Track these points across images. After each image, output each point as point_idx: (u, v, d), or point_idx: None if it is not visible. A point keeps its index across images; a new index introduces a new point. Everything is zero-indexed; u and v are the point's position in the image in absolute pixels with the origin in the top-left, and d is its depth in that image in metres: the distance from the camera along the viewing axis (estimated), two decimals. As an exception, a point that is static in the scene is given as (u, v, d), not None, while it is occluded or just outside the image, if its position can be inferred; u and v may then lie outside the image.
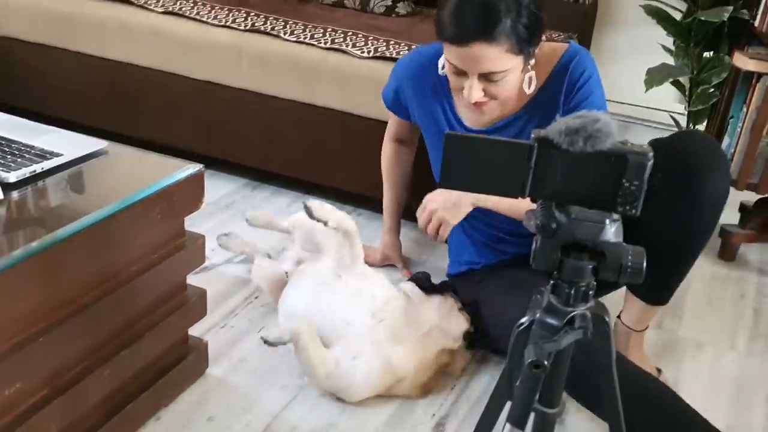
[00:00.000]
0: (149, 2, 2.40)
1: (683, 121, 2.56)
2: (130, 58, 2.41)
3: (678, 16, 2.47)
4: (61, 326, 1.18)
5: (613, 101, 2.92)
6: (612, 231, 0.85)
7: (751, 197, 2.35)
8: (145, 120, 2.46)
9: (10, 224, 1.20)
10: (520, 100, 1.60)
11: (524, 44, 1.44)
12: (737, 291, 2.13)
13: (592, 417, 1.51)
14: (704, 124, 2.52)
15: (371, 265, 1.84)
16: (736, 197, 2.44)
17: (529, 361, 0.84)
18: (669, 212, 1.46)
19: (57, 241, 1.14)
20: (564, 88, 1.58)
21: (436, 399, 1.59)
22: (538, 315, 0.90)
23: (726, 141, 2.21)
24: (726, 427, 1.58)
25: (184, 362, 1.53)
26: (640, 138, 2.90)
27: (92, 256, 1.23)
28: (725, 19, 2.15)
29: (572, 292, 0.88)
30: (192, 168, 1.40)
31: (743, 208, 2.41)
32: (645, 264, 0.86)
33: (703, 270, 2.21)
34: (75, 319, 1.20)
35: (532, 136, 0.84)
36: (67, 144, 1.40)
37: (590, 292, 0.89)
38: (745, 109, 2.09)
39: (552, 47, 1.60)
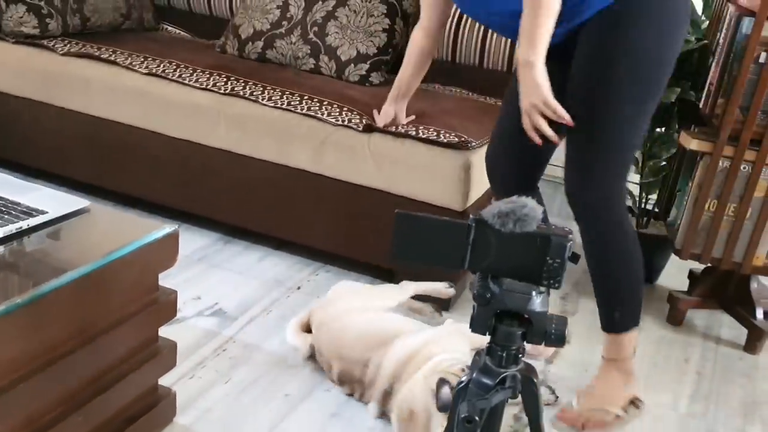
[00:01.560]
0: (134, 63, 2.53)
1: (636, 191, 2.72)
2: (113, 115, 2.53)
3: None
4: (39, 374, 1.26)
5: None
6: (538, 301, 0.97)
7: (699, 266, 2.49)
8: (125, 175, 2.57)
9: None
10: None
11: None
12: (682, 355, 2.25)
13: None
14: (656, 194, 2.67)
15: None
16: (687, 264, 2.59)
17: (462, 416, 0.95)
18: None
19: (40, 296, 1.23)
20: None
21: (392, 451, 1.68)
22: (474, 375, 1.01)
23: (673, 213, 2.36)
24: (662, 484, 1.68)
25: (153, 411, 1.60)
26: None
27: (72, 310, 1.32)
28: (673, 100, 2.31)
29: (504, 354, 0.99)
30: (168, 228, 1.50)
31: (691, 275, 2.55)
32: (566, 330, 0.97)
33: (651, 333, 2.34)
34: (52, 368, 1.28)
35: (471, 216, 0.96)
36: (51, 202, 1.50)
37: (520, 356, 1.00)
38: (689, 185, 2.24)
39: None
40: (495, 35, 2.70)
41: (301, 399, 1.83)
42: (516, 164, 1.86)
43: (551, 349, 2.05)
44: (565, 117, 1.57)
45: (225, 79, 2.46)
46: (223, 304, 2.20)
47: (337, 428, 1.74)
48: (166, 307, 1.56)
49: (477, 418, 0.94)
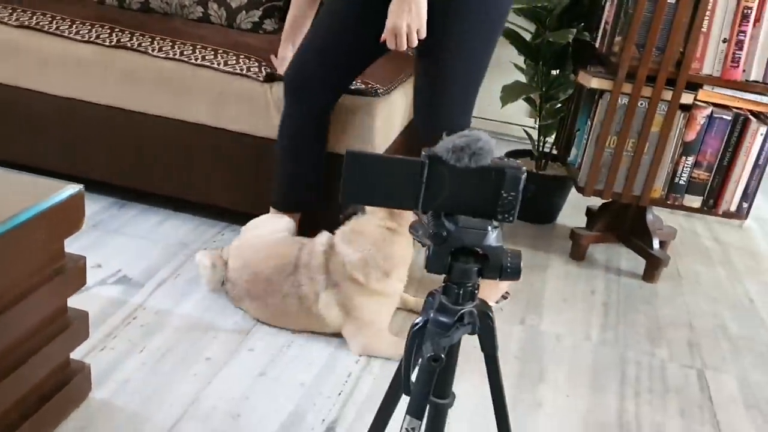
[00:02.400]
0: (2, 16, 2.30)
1: (534, 134, 2.77)
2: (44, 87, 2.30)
3: (527, 36, 2.68)
4: (-59, 356, 1.14)
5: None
6: (493, 236, 0.95)
7: (595, 202, 2.59)
8: (2, 140, 2.36)
9: None
10: None
11: None
12: (588, 287, 2.34)
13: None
14: (553, 136, 2.74)
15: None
16: (583, 202, 2.68)
17: (428, 355, 0.93)
18: None
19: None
20: None
21: (325, 404, 1.65)
22: (431, 315, 0.98)
23: (573, 152, 2.42)
24: (587, 410, 1.75)
25: (67, 387, 1.49)
26: (499, 151, 3.11)
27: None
28: (570, 41, 2.36)
29: (461, 292, 0.97)
30: (72, 188, 1.38)
31: (589, 212, 2.65)
32: (521, 263, 0.97)
33: (557, 269, 2.42)
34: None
35: (423, 153, 0.93)
36: (24, 190, 1.34)
37: (476, 292, 0.98)
38: (589, 123, 2.31)
39: None
40: None
41: (224, 362, 1.76)
42: (330, 74, 1.95)
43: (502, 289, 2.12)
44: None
45: (108, 31, 2.29)
46: (126, 271, 2.07)
47: (266, 387, 1.69)
48: (74, 274, 1.45)
49: (442, 356, 0.93)
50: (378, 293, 1.83)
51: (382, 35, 1.76)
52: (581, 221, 2.65)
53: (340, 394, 1.70)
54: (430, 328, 0.98)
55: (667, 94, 2.16)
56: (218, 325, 1.90)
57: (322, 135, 2.06)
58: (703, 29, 2.08)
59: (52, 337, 1.41)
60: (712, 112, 2.17)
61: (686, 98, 2.16)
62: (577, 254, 2.47)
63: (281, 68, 2.13)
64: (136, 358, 1.73)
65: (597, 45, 2.33)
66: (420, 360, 0.97)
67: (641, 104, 2.18)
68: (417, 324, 1.01)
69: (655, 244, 2.40)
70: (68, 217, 1.39)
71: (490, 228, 0.95)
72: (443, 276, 0.98)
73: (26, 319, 1.34)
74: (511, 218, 0.95)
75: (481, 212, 0.95)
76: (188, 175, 2.29)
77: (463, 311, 0.98)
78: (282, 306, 1.86)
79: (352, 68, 1.98)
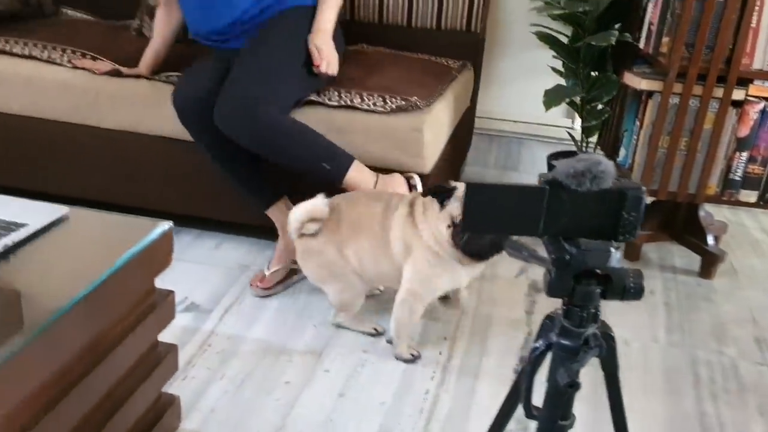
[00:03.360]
0: (53, 58, 2.33)
1: (577, 136, 2.78)
2: (38, 113, 2.33)
3: (564, 40, 2.68)
4: (57, 405, 1.15)
5: (510, 120, 3.12)
6: (616, 258, 0.96)
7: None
8: (61, 174, 2.39)
9: (1, 305, 1.16)
10: None
11: None
12: (646, 288, 2.32)
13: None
14: (596, 137, 2.74)
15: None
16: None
17: (565, 382, 0.94)
18: None
19: (52, 322, 1.11)
20: None
21: (408, 423, 1.66)
22: (554, 339, 0.99)
23: (622, 152, 2.43)
24: (668, 414, 1.76)
25: (160, 422, 1.51)
26: (539, 152, 3.12)
27: (81, 330, 1.21)
28: (612, 42, 2.36)
29: (584, 314, 0.98)
30: (163, 226, 1.40)
31: (638, 211, 2.65)
32: (643, 282, 0.98)
33: (614, 271, 2.41)
34: (70, 396, 1.18)
35: (541, 179, 0.94)
36: (26, 212, 1.36)
37: (598, 314, 0.99)
38: (637, 123, 2.31)
39: None
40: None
41: (303, 385, 1.78)
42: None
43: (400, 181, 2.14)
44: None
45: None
46: (193, 297, 2.09)
47: (348, 408, 1.71)
48: (164, 309, 1.47)
49: (578, 381, 0.94)
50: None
51: (318, 60, 2.03)
52: (629, 221, 2.66)
53: (421, 411, 1.71)
54: (555, 353, 0.99)
55: (718, 92, 2.16)
56: (291, 347, 1.91)
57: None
58: (752, 25, 2.08)
59: (148, 372, 1.43)
60: (764, 106, 2.17)
61: (738, 94, 2.16)
62: (632, 254, 2.47)
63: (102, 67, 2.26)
64: (217, 386, 1.75)
65: (642, 46, 2.33)
66: (549, 385, 0.97)
67: (692, 103, 2.18)
68: (538, 348, 1.02)
69: (710, 240, 2.40)
70: (160, 254, 1.40)
71: (612, 249, 0.96)
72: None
73: (126, 358, 1.36)
74: (632, 237, 0.96)
75: (602, 234, 0.96)
76: (240, 199, 2.30)
77: (587, 334, 0.99)
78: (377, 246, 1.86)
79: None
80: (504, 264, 2.40)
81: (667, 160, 2.24)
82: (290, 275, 2.18)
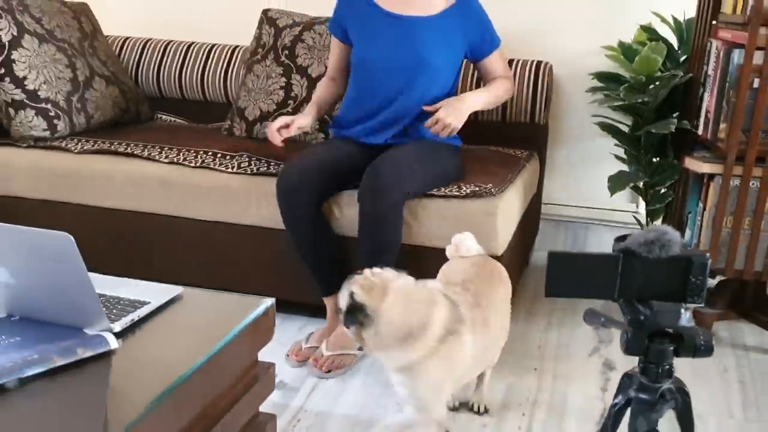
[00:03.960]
0: (153, 154, 2.58)
1: (642, 219, 2.87)
2: (135, 206, 2.56)
3: (625, 129, 2.83)
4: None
5: (576, 206, 3.24)
6: (686, 318, 1.07)
7: (711, 281, 2.65)
8: (154, 262, 2.59)
9: (129, 372, 1.31)
10: (446, 2, 2.35)
11: None
12: (720, 365, 2.37)
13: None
14: (660, 220, 2.84)
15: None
16: (700, 282, 2.73)
17: (645, 430, 1.03)
18: None
19: (176, 386, 1.25)
20: (470, 11, 2.38)
21: None
22: (632, 394, 1.09)
23: (688, 233, 2.51)
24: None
25: (259, 487, 1.62)
26: (606, 237, 3.22)
27: (196, 397, 1.34)
28: (672, 130, 2.49)
29: (659, 371, 1.08)
30: (266, 303, 1.55)
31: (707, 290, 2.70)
32: (713, 341, 1.07)
33: (686, 350, 2.45)
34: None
35: (615, 249, 1.06)
36: (147, 292, 1.53)
37: (672, 370, 1.09)
38: (701, 205, 2.41)
39: None
40: (516, 90, 2.82)
41: (389, 457, 1.86)
42: (328, 183, 2.29)
43: None
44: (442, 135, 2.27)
45: (248, 160, 2.54)
46: (281, 375, 2.22)
47: (433, 480, 1.78)
48: (266, 381, 1.60)
49: (657, 428, 1.03)
50: None
51: (434, 118, 2.24)
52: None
53: None
54: (634, 407, 1.08)
55: (778, 173, 2.25)
56: (378, 422, 2.01)
57: (323, 223, 2.31)
58: (806, 109, 2.19)
59: (250, 442, 1.56)
60: (825, 186, 2.24)
61: (797, 175, 2.25)
62: (703, 334, 2.51)
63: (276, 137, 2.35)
64: (308, 459, 1.85)
65: (700, 132, 2.45)
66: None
67: (753, 184, 2.28)
68: (617, 404, 1.12)
69: (781, 317, 2.43)
70: (263, 328, 1.55)
71: (682, 310, 1.07)
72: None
73: (233, 427, 1.48)
74: (700, 300, 1.06)
75: (672, 297, 1.07)
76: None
77: (663, 389, 1.08)
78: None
79: (333, 182, 2.30)
80: (577, 343, 2.47)
81: (732, 239, 2.32)
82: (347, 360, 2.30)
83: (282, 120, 2.34)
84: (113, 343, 1.31)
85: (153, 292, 1.54)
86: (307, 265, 2.32)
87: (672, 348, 1.07)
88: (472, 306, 1.73)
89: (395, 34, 2.33)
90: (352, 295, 1.58)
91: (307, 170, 2.25)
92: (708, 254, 1.05)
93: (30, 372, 1.21)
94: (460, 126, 2.26)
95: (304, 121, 2.37)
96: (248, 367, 1.55)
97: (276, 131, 2.32)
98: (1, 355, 1.23)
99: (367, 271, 1.64)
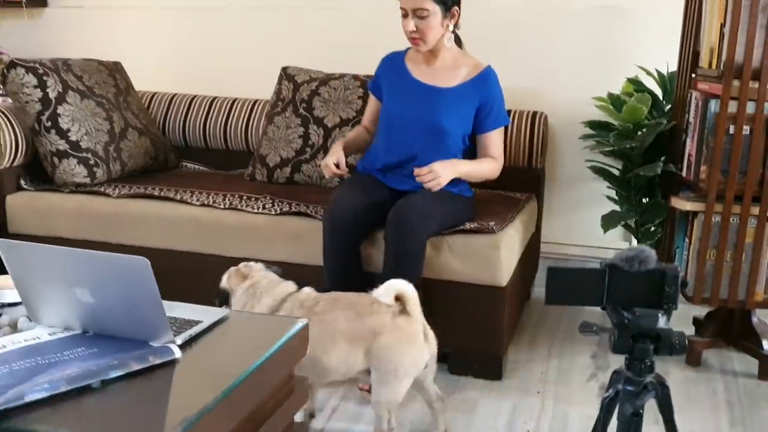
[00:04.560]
0: (185, 197, 2.82)
1: (634, 256, 3.10)
2: (169, 245, 2.79)
3: (615, 172, 3.08)
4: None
5: (572, 244, 3.48)
6: (662, 321, 1.29)
7: (701, 312, 2.87)
8: (188, 298, 2.80)
9: (190, 377, 1.52)
10: (464, 76, 2.61)
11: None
12: (710, 389, 2.57)
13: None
14: (651, 256, 3.07)
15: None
16: (688, 313, 2.95)
17: (630, 412, 1.24)
18: None
19: (225, 394, 1.46)
20: (486, 87, 2.60)
21: None
22: (620, 387, 1.31)
23: (676, 267, 2.73)
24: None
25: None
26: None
27: (242, 405, 1.54)
28: (659, 173, 2.74)
29: (642, 366, 1.30)
30: (300, 323, 1.77)
31: (696, 320, 2.92)
32: (686, 341, 1.29)
33: (677, 375, 2.66)
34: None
35: (602, 264, 1.29)
36: (198, 313, 1.75)
37: (653, 365, 1.31)
38: (687, 240, 2.64)
39: (478, 61, 2.65)
40: (514, 138, 3.12)
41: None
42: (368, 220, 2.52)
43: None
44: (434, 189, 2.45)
45: (271, 202, 2.78)
46: (305, 399, 2.42)
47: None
48: (300, 393, 1.81)
49: (641, 411, 1.24)
50: None
51: (427, 167, 2.42)
52: (689, 330, 2.91)
53: None
54: (622, 396, 1.30)
55: (755, 209, 2.49)
56: (393, 439, 2.20)
57: (356, 259, 2.53)
58: (777, 152, 2.44)
59: (286, 448, 1.76)
60: (798, 221, 2.48)
61: (772, 211, 2.48)
62: (693, 360, 2.72)
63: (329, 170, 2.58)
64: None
65: (684, 174, 2.70)
66: (620, 416, 1.28)
67: (733, 220, 2.51)
68: (608, 396, 1.33)
69: (765, 344, 2.64)
70: (298, 345, 1.76)
71: (660, 314, 1.29)
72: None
73: None
74: (674, 306, 1.29)
75: (650, 304, 1.29)
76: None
77: (646, 381, 1.30)
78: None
79: (371, 220, 2.52)
80: (576, 370, 2.67)
81: (716, 271, 2.55)
82: None
83: (334, 158, 2.58)
84: (177, 353, 1.53)
85: (203, 313, 1.76)
86: (331, 286, 2.49)
87: (652, 347, 1.28)
88: (307, 310, 2.11)
89: (418, 99, 2.62)
90: (221, 280, 2.24)
91: (355, 208, 2.48)
92: (679, 267, 1.28)
93: (112, 374, 1.42)
94: (445, 182, 2.44)
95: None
96: (285, 380, 1.76)
97: (333, 166, 2.56)
98: (86, 362, 1.45)
99: (242, 264, 2.27)
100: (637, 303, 1.29)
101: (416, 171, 2.43)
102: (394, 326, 2.01)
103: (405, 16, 2.51)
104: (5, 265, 1.61)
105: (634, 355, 1.29)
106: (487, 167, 2.63)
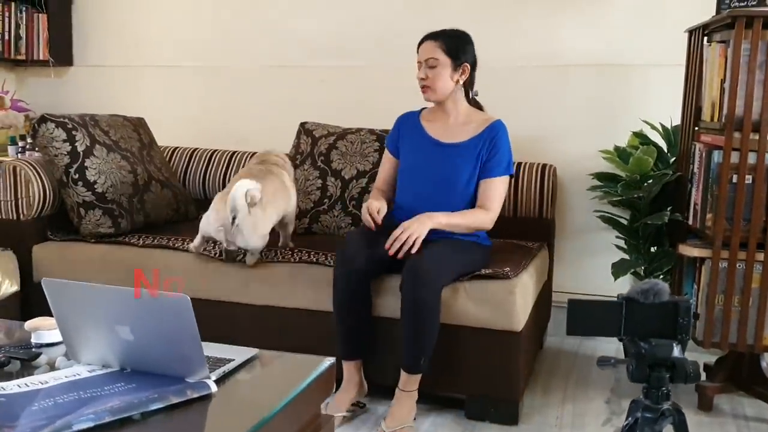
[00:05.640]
0: (207, 249, 2.92)
1: (644, 303, 3.17)
2: (192, 293, 2.86)
3: (624, 221, 3.17)
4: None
5: (583, 293, 3.54)
6: (677, 351, 1.37)
7: (711, 357, 2.92)
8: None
9: (225, 411, 1.59)
10: (474, 130, 2.73)
11: (452, 51, 2.66)
12: (721, 433, 2.62)
13: None
14: (661, 303, 3.13)
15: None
16: (700, 358, 3.01)
17: (649, 436, 1.31)
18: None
19: (264, 423, 1.52)
20: (492, 137, 2.70)
21: None
22: (638, 415, 1.37)
23: (685, 313, 2.80)
24: None
25: None
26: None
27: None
28: (666, 221, 2.84)
29: (659, 394, 1.37)
30: (327, 361, 1.84)
31: (706, 366, 2.97)
32: (701, 370, 1.37)
33: (689, 419, 2.67)
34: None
35: (620, 296, 1.37)
36: (230, 352, 1.83)
37: (669, 393, 1.38)
38: (695, 286, 2.71)
39: (489, 116, 2.79)
40: (525, 189, 3.24)
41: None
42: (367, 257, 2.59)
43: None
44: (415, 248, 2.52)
45: (290, 252, 2.87)
46: (326, 443, 2.47)
47: None
48: (327, 430, 1.87)
49: (659, 436, 1.31)
50: None
51: (391, 238, 2.51)
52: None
53: None
54: (641, 422, 1.36)
55: (760, 256, 2.57)
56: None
57: (367, 297, 2.61)
58: (780, 200, 2.54)
59: (313, 483, 1.81)
60: (802, 266, 2.56)
61: (777, 257, 2.57)
62: (705, 405, 2.76)
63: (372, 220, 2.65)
64: None
65: (690, 222, 2.79)
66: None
67: (739, 266, 2.59)
68: (628, 425, 1.40)
69: (775, 388, 2.69)
70: (325, 384, 1.83)
71: (674, 344, 1.37)
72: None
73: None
74: (688, 336, 1.36)
75: (665, 334, 1.37)
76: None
77: (663, 408, 1.36)
78: None
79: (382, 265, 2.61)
80: (591, 415, 2.72)
81: (724, 316, 2.61)
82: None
83: (379, 203, 2.67)
84: (213, 387, 1.60)
85: (234, 352, 1.83)
86: (340, 328, 2.60)
87: (668, 375, 1.35)
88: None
89: (433, 156, 2.74)
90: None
91: (365, 252, 2.57)
92: (691, 300, 1.36)
93: (152, 407, 1.49)
94: (422, 235, 2.50)
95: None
96: (313, 416, 1.82)
97: (375, 211, 2.63)
98: (127, 395, 1.52)
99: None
100: (653, 334, 1.37)
101: (388, 242, 2.51)
102: None
103: (420, 67, 2.69)
104: (49, 303, 1.70)
105: (651, 384, 1.36)
106: (473, 218, 2.67)
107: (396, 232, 2.52)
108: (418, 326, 2.45)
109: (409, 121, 2.86)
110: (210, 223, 2.78)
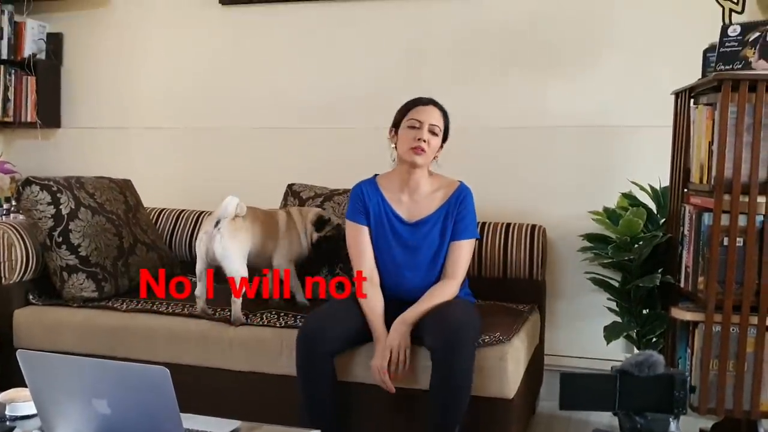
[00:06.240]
0: (192, 311, 2.86)
1: (637, 367, 3.12)
2: (177, 359, 2.80)
3: (615, 283, 3.14)
4: None
5: (575, 357, 3.49)
6: (674, 426, 1.32)
7: (707, 423, 2.86)
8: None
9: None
10: (441, 198, 2.74)
11: (447, 126, 2.74)
12: (721, 503, 2.54)
13: None
14: (654, 367, 3.08)
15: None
16: (697, 423, 2.95)
17: None
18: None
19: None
20: (461, 201, 2.72)
21: None
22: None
23: (680, 377, 2.75)
24: None
25: None
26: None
27: None
28: (657, 284, 2.80)
29: (656, 471, 1.31)
30: (313, 434, 1.78)
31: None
32: (698, 446, 1.32)
33: (689, 489, 2.62)
34: None
35: (614, 369, 1.33)
36: (210, 424, 1.77)
37: (668, 471, 1.32)
38: (689, 351, 2.66)
39: (453, 181, 2.79)
40: (515, 251, 3.22)
41: None
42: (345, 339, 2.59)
43: None
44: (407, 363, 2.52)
45: (276, 315, 2.82)
46: None
47: None
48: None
49: None
50: None
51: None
52: (695, 443, 2.89)
53: None
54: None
55: (754, 319, 2.53)
56: None
57: (331, 372, 2.53)
58: (772, 263, 2.51)
59: None
60: (797, 330, 2.52)
61: (771, 321, 2.53)
62: (703, 474, 2.69)
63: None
64: None
65: (682, 285, 2.76)
66: None
67: (733, 330, 2.55)
68: (625, 502, 1.34)
69: (774, 456, 2.62)
70: (309, 457, 1.77)
71: (670, 419, 1.32)
72: None
73: None
74: (684, 411, 1.32)
75: (660, 409, 1.33)
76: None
77: (661, 486, 1.31)
78: None
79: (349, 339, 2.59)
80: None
81: (719, 381, 2.56)
82: None
83: (386, 360, 2.52)
84: (193, 463, 1.53)
85: (214, 425, 1.77)
86: (306, 402, 2.52)
87: (665, 452, 1.31)
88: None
89: (403, 234, 2.73)
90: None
91: (330, 327, 2.53)
92: (687, 373, 1.32)
93: (127, 486, 1.42)
94: (409, 343, 2.52)
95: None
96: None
97: (386, 369, 2.52)
98: (101, 473, 1.45)
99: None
100: (648, 407, 1.32)
101: (388, 384, 2.49)
102: None
103: (416, 127, 2.66)
104: (24, 375, 1.64)
105: (648, 461, 1.31)
106: (440, 296, 2.63)
107: (393, 360, 2.50)
108: (454, 392, 2.38)
109: (371, 194, 2.78)
110: (198, 239, 2.88)
